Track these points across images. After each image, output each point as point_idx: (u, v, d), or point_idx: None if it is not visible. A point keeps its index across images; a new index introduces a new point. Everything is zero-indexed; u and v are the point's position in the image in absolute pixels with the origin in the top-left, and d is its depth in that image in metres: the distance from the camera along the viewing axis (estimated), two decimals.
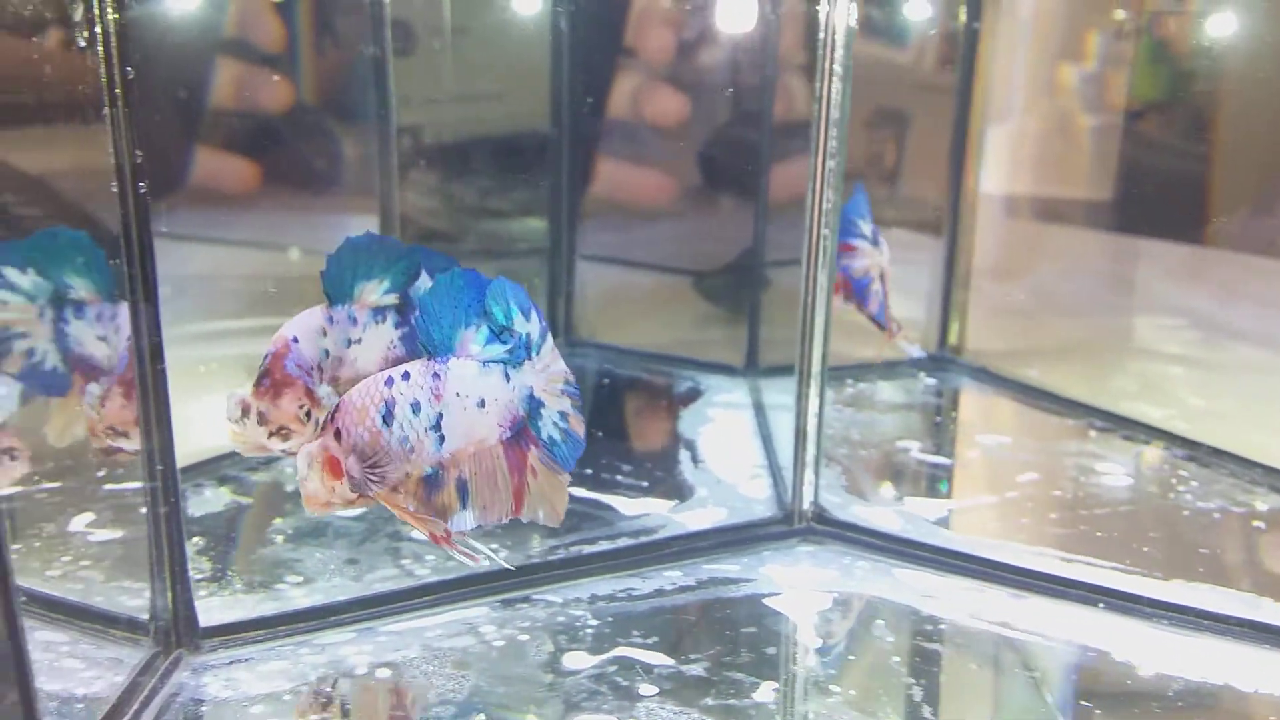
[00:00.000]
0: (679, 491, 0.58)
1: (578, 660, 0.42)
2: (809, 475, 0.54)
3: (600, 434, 0.68)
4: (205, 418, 0.60)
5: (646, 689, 0.40)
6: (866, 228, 0.59)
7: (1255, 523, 0.56)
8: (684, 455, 0.64)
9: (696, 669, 0.42)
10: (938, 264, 0.84)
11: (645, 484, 0.59)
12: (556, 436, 0.39)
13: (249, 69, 0.67)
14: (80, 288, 0.42)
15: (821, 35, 0.50)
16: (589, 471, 0.60)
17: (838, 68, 0.50)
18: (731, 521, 0.54)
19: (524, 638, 0.43)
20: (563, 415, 0.39)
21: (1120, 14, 0.79)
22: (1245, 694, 0.41)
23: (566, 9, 0.80)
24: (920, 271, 0.85)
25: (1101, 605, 0.47)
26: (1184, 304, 0.80)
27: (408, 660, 0.41)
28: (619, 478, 0.60)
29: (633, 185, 0.85)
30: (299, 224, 0.75)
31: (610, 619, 0.45)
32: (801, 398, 0.53)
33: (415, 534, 0.51)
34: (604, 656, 0.42)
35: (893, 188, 0.88)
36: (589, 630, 0.44)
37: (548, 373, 0.39)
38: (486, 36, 0.83)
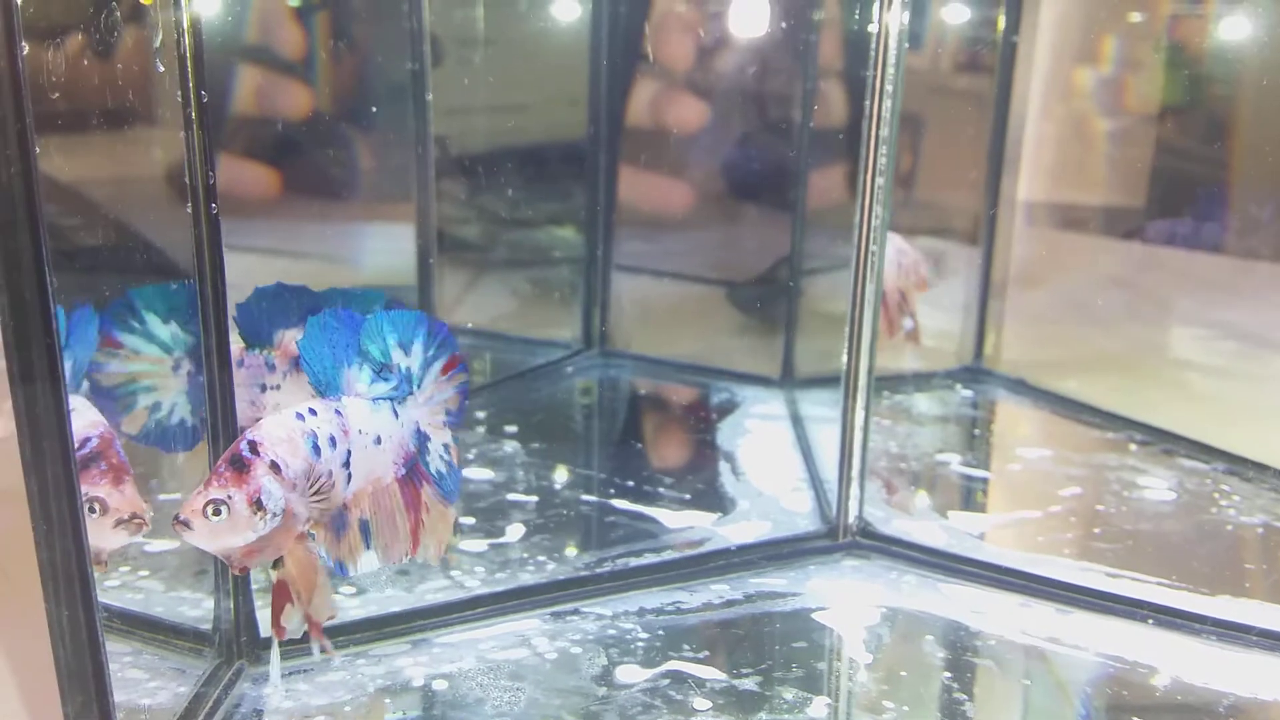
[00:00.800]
0: (721, 504, 0.58)
1: (630, 674, 0.42)
2: (854, 489, 0.54)
3: (639, 445, 0.68)
4: None
5: (701, 703, 0.40)
6: None
7: None
8: (724, 467, 0.64)
9: (748, 683, 0.42)
10: (974, 274, 0.85)
11: (688, 496, 0.59)
12: (443, 469, 0.39)
13: (277, 78, 0.68)
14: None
15: (873, 52, 0.50)
16: (631, 484, 0.61)
17: (889, 85, 0.50)
18: (776, 535, 0.54)
19: (576, 650, 0.44)
20: (445, 447, 0.40)
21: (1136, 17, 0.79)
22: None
23: (605, 18, 0.80)
24: (956, 282, 0.85)
25: (1150, 620, 0.47)
26: (1219, 315, 0.79)
27: (463, 672, 0.42)
28: (661, 490, 0.60)
29: (672, 195, 0.85)
30: (338, 233, 0.76)
31: (660, 632, 0.45)
32: (847, 411, 0.54)
33: (463, 545, 0.52)
34: (656, 670, 0.42)
35: (930, 197, 0.88)
36: (640, 643, 0.44)
37: (430, 404, 0.39)
38: (521, 47, 0.84)
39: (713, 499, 0.59)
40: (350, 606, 0.46)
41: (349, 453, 0.36)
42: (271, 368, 0.40)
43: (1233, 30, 0.74)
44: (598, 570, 0.50)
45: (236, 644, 0.41)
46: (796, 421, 0.72)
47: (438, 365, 0.39)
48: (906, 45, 0.50)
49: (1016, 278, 0.84)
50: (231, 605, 0.40)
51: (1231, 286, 0.77)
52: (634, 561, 0.51)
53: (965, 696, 0.42)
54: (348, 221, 0.77)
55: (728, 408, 0.75)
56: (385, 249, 0.81)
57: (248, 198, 0.68)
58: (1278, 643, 0.45)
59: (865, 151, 0.51)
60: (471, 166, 0.84)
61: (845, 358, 0.53)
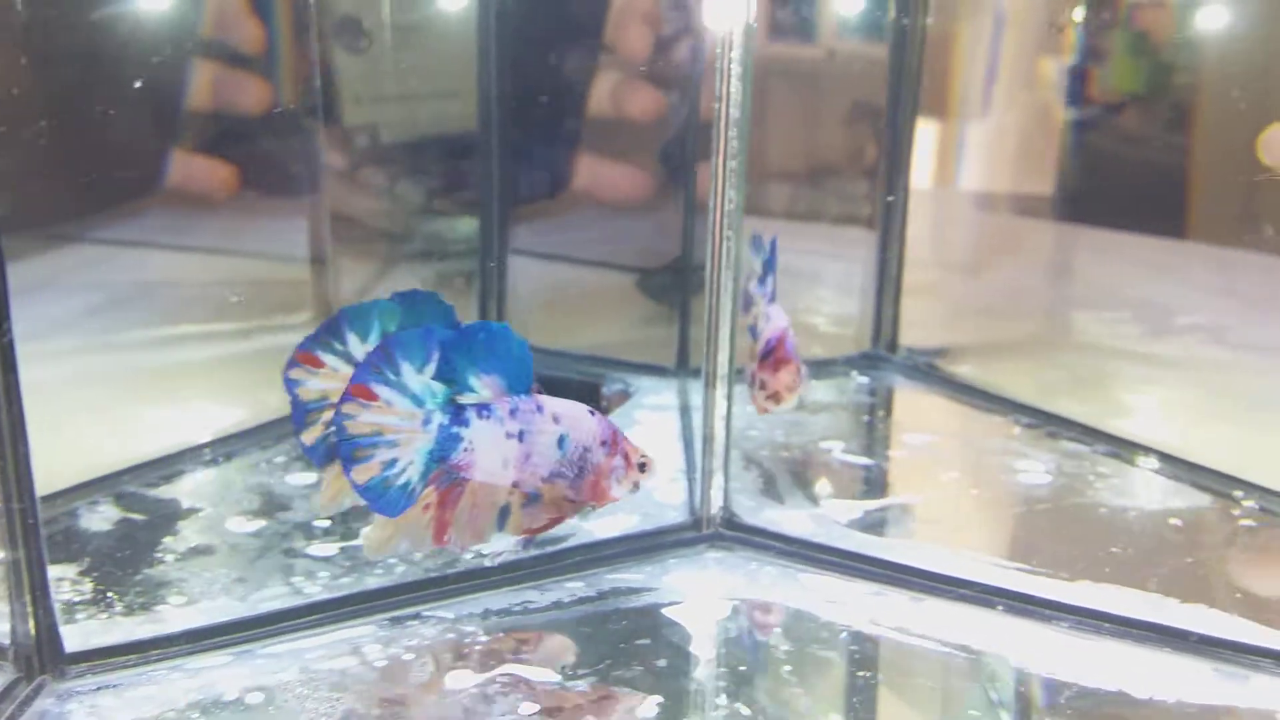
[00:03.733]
0: None
1: (461, 679, 0.41)
2: (717, 480, 0.53)
3: None
4: (111, 432, 0.60)
5: (527, 707, 0.39)
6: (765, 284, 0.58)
7: (1172, 520, 0.56)
8: None
9: (582, 684, 0.41)
10: (872, 260, 0.84)
11: None
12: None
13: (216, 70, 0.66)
14: (486, 386, 0.40)
15: (718, 34, 0.49)
16: None
17: (736, 66, 0.49)
18: (637, 529, 0.53)
19: (409, 657, 0.42)
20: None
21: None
22: (1139, 700, 0.41)
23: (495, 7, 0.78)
24: (855, 268, 0.85)
25: (1000, 608, 0.46)
26: (1130, 296, 0.79)
27: (282, 684, 0.40)
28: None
29: (626, 183, 0.84)
30: (227, 227, 0.74)
31: (502, 634, 0.44)
32: (708, 401, 0.52)
33: (312, 550, 0.50)
34: (488, 674, 0.41)
35: (830, 181, 0.88)
36: (478, 647, 0.43)
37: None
38: (428, 35, 0.82)
39: None
40: (175, 618, 0.44)
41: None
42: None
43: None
44: (446, 571, 0.48)
45: (38, 658, 0.39)
46: (685, 412, 0.71)
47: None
48: (754, 24, 0.48)
49: (914, 262, 0.84)
50: (31, 617, 0.38)
51: (1166, 266, 0.77)
52: (486, 561, 0.49)
53: (801, 691, 0.41)
54: (239, 214, 0.75)
55: (619, 399, 0.74)
56: (276, 242, 0.79)
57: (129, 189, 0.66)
58: (1129, 630, 0.45)
59: (715, 134, 0.50)
60: (379, 156, 0.82)
61: (705, 345, 0.52)
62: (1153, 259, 0.76)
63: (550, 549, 0.50)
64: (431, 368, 0.39)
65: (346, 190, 0.81)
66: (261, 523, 0.52)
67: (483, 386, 0.40)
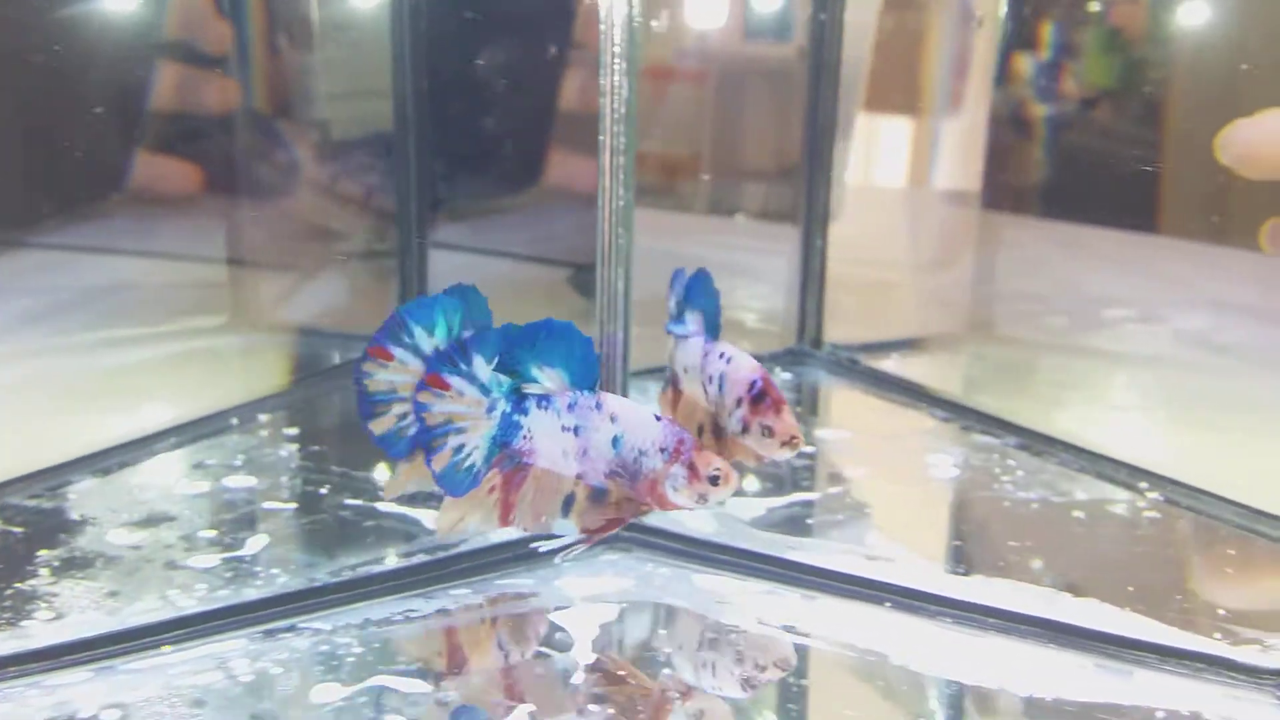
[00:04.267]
0: None
1: (327, 693, 0.39)
2: None
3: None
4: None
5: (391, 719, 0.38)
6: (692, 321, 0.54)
7: (1074, 513, 0.56)
8: None
9: (453, 694, 0.40)
10: (796, 255, 0.83)
11: None
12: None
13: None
14: (549, 379, 0.42)
15: (601, 27, 0.48)
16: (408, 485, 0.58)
17: (621, 62, 0.48)
18: (533, 533, 0.52)
19: (276, 670, 0.41)
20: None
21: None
22: (1018, 697, 0.40)
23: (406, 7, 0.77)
24: (780, 263, 0.84)
25: (888, 604, 0.46)
26: (1056, 288, 0.79)
27: (141, 700, 0.39)
28: (436, 490, 0.58)
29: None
30: (144, 230, 0.72)
31: (377, 645, 0.43)
32: None
33: (193, 561, 0.49)
34: (357, 687, 0.40)
35: (756, 178, 0.87)
36: (351, 659, 0.42)
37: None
38: (356, 35, 0.81)
39: None
40: (41, 634, 0.42)
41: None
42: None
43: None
44: (329, 580, 0.47)
45: None
46: None
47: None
48: (639, 19, 0.48)
49: (840, 258, 0.84)
50: None
51: (1123, 260, 0.76)
52: (376, 569, 0.48)
53: (677, 695, 0.40)
54: (158, 216, 0.73)
55: None
56: (195, 246, 0.77)
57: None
58: (1015, 625, 0.44)
59: (602, 131, 0.49)
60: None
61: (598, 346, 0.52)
62: (1113, 253, 0.76)
63: (441, 555, 0.49)
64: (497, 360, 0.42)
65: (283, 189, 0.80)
66: (144, 534, 0.51)
67: (546, 380, 0.43)
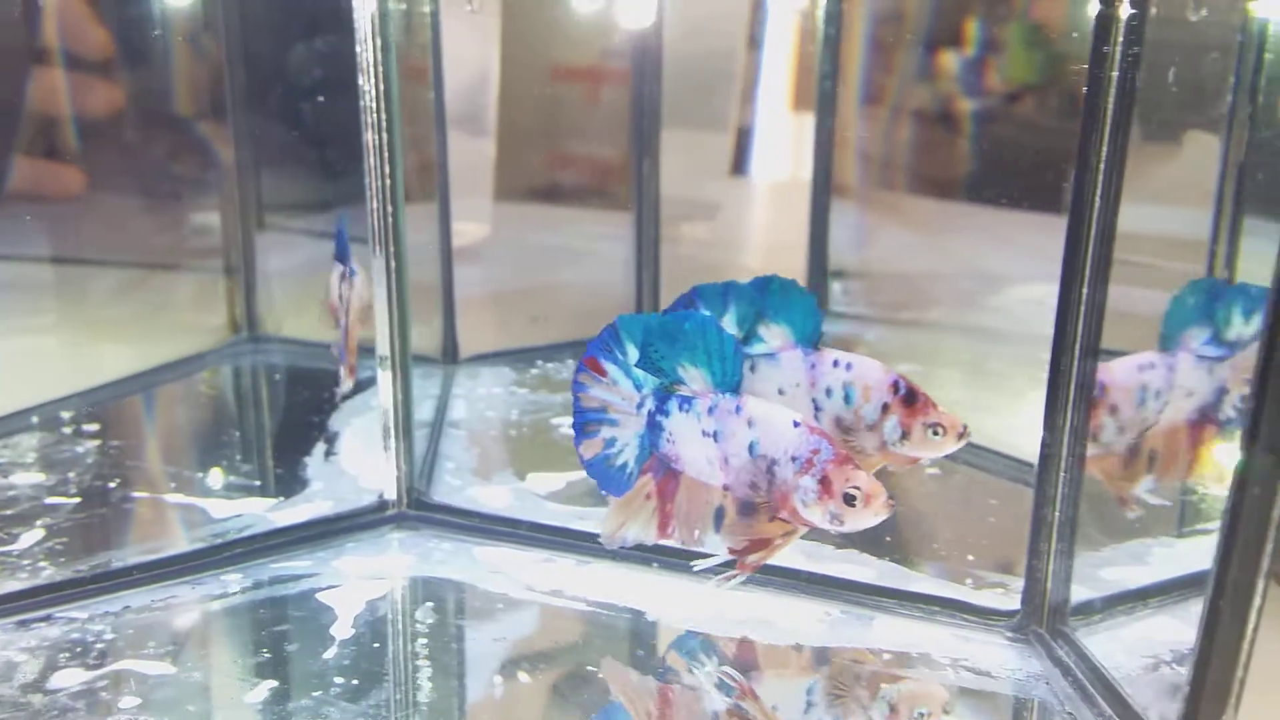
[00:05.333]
0: (290, 487, 0.56)
1: (67, 678, 0.39)
2: (400, 462, 0.52)
3: (238, 434, 0.65)
4: None
5: (127, 702, 0.38)
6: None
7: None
8: (319, 449, 0.61)
9: (196, 675, 0.40)
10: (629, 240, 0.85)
11: (258, 483, 0.57)
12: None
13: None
14: (694, 380, 0.38)
15: (357, 19, 0.48)
16: (200, 475, 0.57)
17: (376, 39, 0.48)
18: (315, 515, 0.52)
19: (20, 658, 0.40)
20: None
21: None
22: (760, 645, 0.42)
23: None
24: (614, 247, 0.86)
25: (655, 565, 0.47)
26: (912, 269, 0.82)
27: None
28: (233, 478, 0.57)
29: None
30: None
31: (131, 631, 0.42)
32: (381, 384, 0.52)
33: None
34: (99, 672, 0.40)
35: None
36: (100, 645, 0.41)
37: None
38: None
39: (285, 483, 0.57)
40: None
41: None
42: None
43: None
44: (94, 571, 0.46)
45: None
46: (423, 400, 0.70)
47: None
48: (390, 7, 0.48)
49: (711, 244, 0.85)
50: None
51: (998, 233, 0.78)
52: (147, 558, 0.48)
53: (426, 663, 0.41)
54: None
55: (363, 387, 0.72)
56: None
57: None
58: (770, 577, 0.46)
59: (363, 110, 0.49)
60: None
61: (387, 330, 0.52)
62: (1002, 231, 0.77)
63: (216, 541, 0.49)
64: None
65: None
66: None
67: (690, 378, 0.38)
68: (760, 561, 0.39)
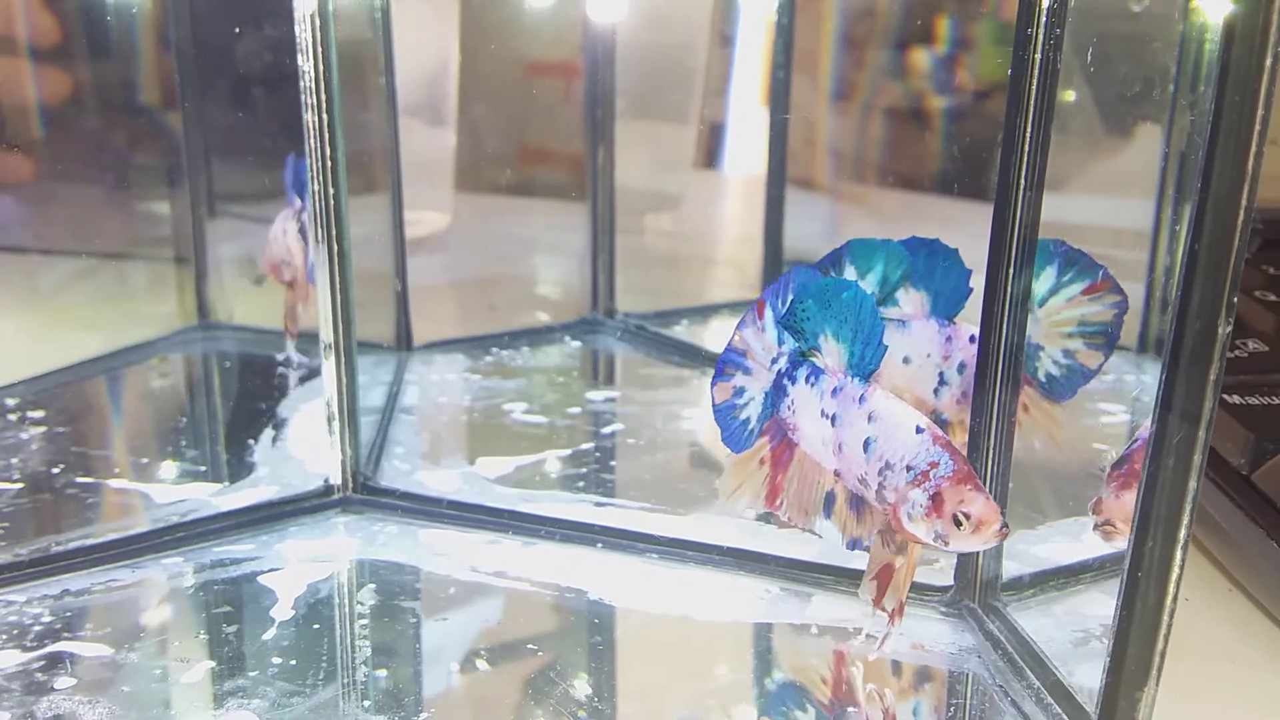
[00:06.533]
0: (236, 472, 0.56)
1: (3, 660, 0.39)
2: (346, 447, 0.52)
3: (185, 420, 0.65)
4: None
5: (64, 681, 0.38)
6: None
7: None
8: (267, 435, 0.61)
9: (133, 656, 0.39)
10: (586, 230, 0.85)
11: (204, 468, 0.57)
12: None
13: None
14: (830, 353, 0.37)
15: (297, 11, 0.48)
16: (145, 460, 0.57)
17: (315, 18, 0.48)
18: (259, 500, 0.52)
19: None
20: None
21: None
22: (697, 621, 0.42)
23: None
24: (577, 238, 0.86)
25: (600, 545, 0.48)
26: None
27: None
28: (179, 464, 0.57)
29: None
30: None
31: (69, 614, 0.42)
32: (326, 371, 0.52)
33: None
34: (35, 653, 0.39)
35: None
36: (38, 627, 0.41)
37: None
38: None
39: (231, 467, 0.56)
40: None
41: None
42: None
43: None
44: (34, 555, 0.46)
45: None
46: (375, 387, 0.70)
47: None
48: (331, 7, 0.48)
49: (628, 229, 0.86)
50: None
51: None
52: (87, 542, 0.47)
53: (366, 643, 0.41)
54: None
55: (311, 374, 0.72)
56: None
57: None
58: (711, 556, 0.46)
59: (303, 90, 0.49)
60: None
61: (331, 319, 0.52)
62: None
63: (157, 525, 0.49)
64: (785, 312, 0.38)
65: None
66: None
67: (826, 350, 0.37)
68: (899, 602, 0.38)
